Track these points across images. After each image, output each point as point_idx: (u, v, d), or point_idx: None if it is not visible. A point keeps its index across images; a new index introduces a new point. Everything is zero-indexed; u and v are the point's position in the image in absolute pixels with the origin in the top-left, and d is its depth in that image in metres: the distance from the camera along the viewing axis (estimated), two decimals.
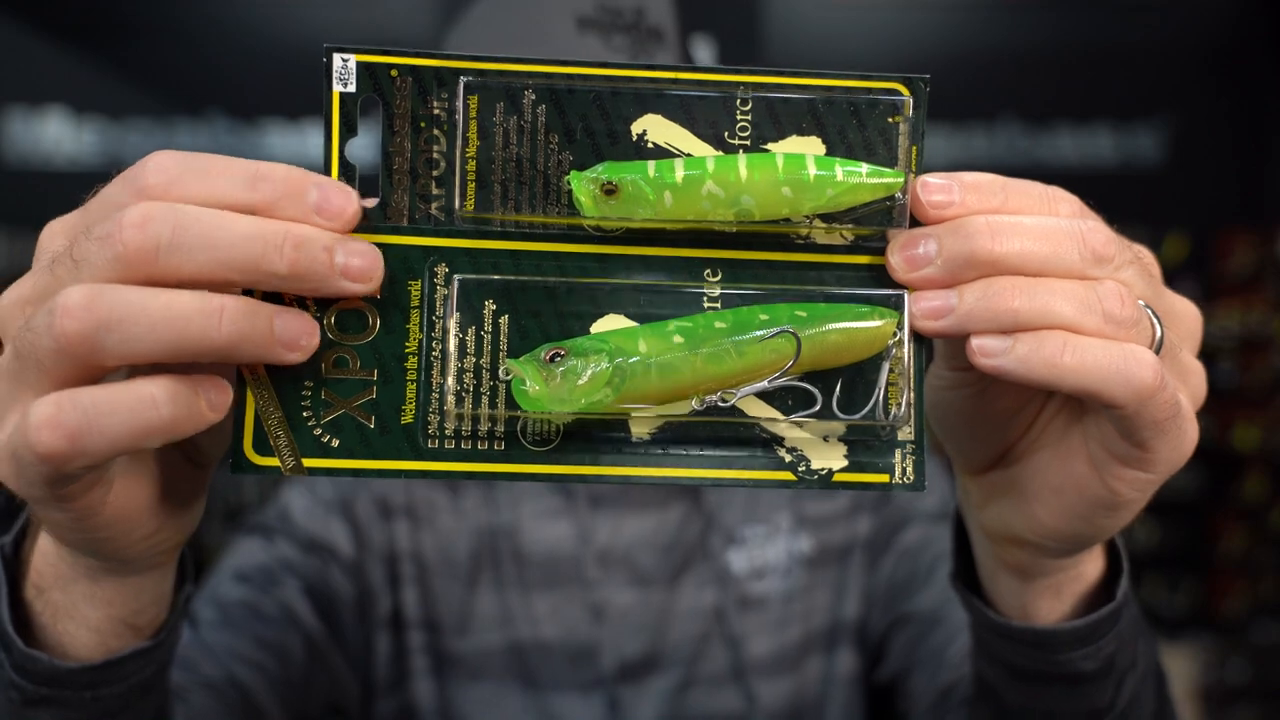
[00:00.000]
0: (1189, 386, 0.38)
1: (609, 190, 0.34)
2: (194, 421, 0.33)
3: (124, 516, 0.37)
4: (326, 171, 0.36)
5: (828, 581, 0.82)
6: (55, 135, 4.69)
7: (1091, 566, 0.45)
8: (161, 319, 0.31)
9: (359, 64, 0.35)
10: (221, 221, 0.32)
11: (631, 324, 0.36)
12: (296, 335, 0.34)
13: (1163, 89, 4.98)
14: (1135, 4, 5.04)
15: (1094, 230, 0.36)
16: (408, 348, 0.36)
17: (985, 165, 4.68)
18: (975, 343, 0.35)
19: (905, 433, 0.37)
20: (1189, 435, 0.37)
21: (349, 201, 0.34)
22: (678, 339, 0.34)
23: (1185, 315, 0.40)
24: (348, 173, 0.36)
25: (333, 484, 0.82)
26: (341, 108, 0.35)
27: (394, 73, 0.35)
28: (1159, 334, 0.36)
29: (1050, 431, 0.40)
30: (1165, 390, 0.34)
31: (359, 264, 0.33)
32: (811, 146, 0.36)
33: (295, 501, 0.84)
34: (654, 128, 0.36)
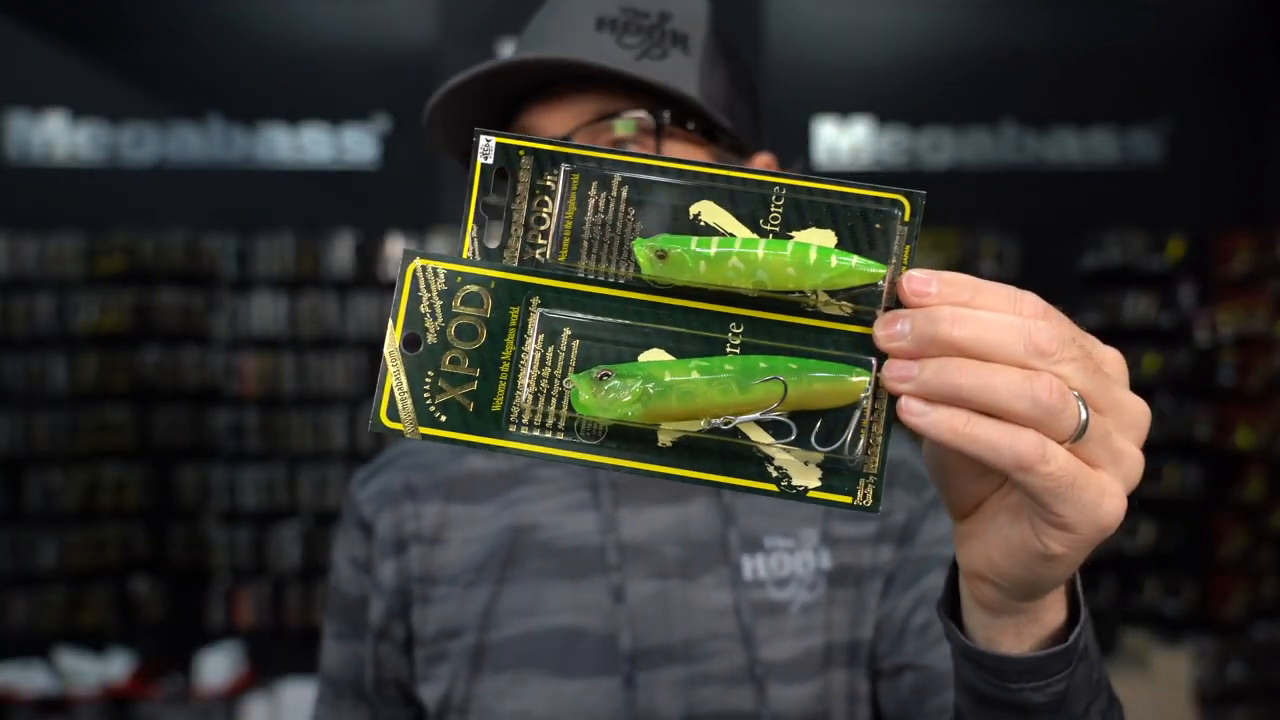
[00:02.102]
0: (1121, 469, 0.44)
1: (660, 255, 0.45)
2: None
3: None
4: (465, 218, 0.47)
5: (847, 600, 0.86)
6: (55, 138, 4.69)
7: (1052, 615, 0.51)
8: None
9: (497, 144, 0.46)
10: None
11: (670, 358, 0.46)
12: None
13: (1163, 90, 4.97)
14: (1135, 4, 5.03)
15: (1041, 329, 0.42)
16: (503, 355, 0.46)
17: (988, 167, 4.62)
18: (902, 402, 0.43)
19: (870, 465, 0.45)
20: (1103, 506, 0.43)
21: None
22: (695, 374, 0.44)
23: (1131, 408, 0.45)
24: (479, 221, 0.46)
25: (361, 540, 0.90)
26: (482, 174, 0.46)
27: (521, 153, 0.46)
28: (1083, 420, 0.43)
29: (1012, 491, 0.47)
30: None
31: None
32: (825, 238, 0.45)
33: (341, 570, 0.92)
34: (707, 211, 0.46)
